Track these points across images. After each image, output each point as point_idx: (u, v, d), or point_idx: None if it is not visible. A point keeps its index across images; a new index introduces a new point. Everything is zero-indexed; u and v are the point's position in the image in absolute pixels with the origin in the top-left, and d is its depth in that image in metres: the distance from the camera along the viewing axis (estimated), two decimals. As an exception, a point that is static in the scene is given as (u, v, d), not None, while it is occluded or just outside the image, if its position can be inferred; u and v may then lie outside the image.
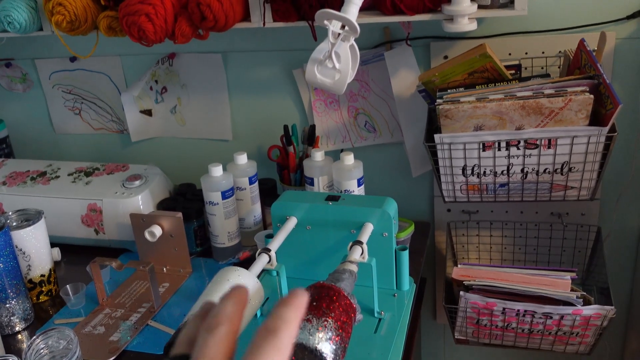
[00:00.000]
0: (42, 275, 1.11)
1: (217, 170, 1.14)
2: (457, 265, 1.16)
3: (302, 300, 0.38)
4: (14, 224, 1.09)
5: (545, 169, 1.03)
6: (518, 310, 1.08)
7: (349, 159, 1.12)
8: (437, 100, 1.00)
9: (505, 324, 1.12)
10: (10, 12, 1.16)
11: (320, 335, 0.71)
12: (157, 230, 1.12)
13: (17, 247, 1.06)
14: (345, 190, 1.13)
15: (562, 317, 1.06)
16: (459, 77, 1.05)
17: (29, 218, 1.10)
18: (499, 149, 1.02)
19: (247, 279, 0.82)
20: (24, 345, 1.02)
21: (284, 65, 1.32)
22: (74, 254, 1.27)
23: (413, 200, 1.37)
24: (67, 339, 0.92)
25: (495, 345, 1.20)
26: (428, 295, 1.46)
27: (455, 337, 1.22)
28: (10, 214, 1.10)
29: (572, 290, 1.06)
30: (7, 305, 1.02)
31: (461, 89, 1.03)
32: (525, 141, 1.00)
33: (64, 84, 1.51)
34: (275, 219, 1.03)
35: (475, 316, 1.13)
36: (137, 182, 1.24)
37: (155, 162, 1.40)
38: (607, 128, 0.95)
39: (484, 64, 1.02)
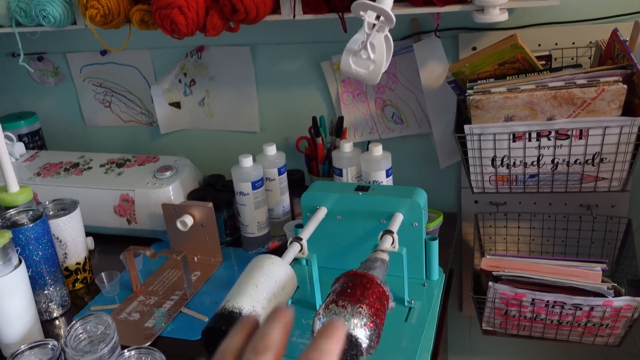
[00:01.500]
0: (78, 263, 1.14)
1: (247, 161, 1.16)
2: (484, 257, 1.16)
3: (341, 332, 0.38)
4: (51, 213, 1.12)
5: (576, 160, 1.03)
6: (547, 301, 1.08)
7: (378, 150, 1.13)
8: (468, 91, 1.00)
9: (534, 315, 1.12)
10: (45, 6, 1.18)
11: (355, 321, 0.72)
12: (189, 220, 1.14)
13: (54, 235, 1.08)
14: (373, 181, 1.14)
15: (592, 308, 1.06)
16: (489, 67, 1.05)
17: (64, 207, 1.13)
18: (530, 140, 1.02)
19: (280, 266, 0.84)
20: (62, 331, 1.04)
21: (311, 57, 1.33)
22: (107, 244, 1.30)
23: (440, 191, 1.37)
24: (104, 324, 0.94)
25: (523, 337, 1.20)
26: (455, 287, 1.46)
27: (483, 328, 1.22)
28: (47, 203, 1.13)
29: (602, 281, 1.06)
30: (46, 292, 1.05)
31: (492, 80, 1.03)
32: (557, 132, 0.99)
33: (95, 77, 1.54)
34: (305, 209, 1.04)
35: (504, 307, 1.13)
36: (168, 173, 1.26)
37: (184, 154, 1.43)
38: (640, 118, 0.94)
39: (515, 55, 1.02)
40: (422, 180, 1.36)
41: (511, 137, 1.02)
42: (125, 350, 0.89)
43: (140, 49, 1.45)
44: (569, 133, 0.99)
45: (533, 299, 1.08)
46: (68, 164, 1.37)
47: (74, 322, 0.93)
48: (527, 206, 1.31)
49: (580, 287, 1.05)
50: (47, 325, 1.05)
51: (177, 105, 1.49)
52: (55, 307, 1.07)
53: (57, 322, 1.07)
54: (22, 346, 0.93)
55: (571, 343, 1.17)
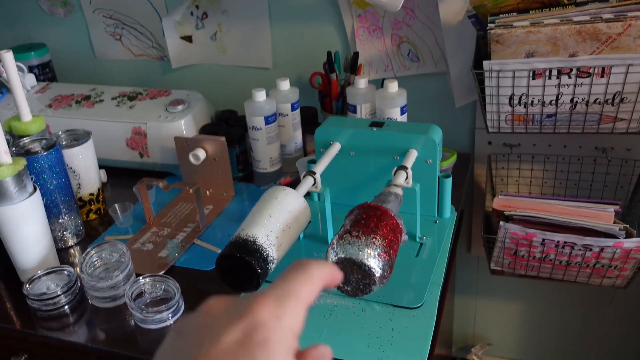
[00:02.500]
0: (91, 194, 1.15)
1: (260, 95, 1.14)
2: (496, 197, 1.16)
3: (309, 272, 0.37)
4: (64, 143, 1.12)
5: (596, 99, 1.01)
6: (557, 242, 1.08)
7: (393, 86, 1.11)
8: (489, 25, 0.97)
9: (544, 256, 1.13)
10: None
11: (369, 251, 0.72)
12: (201, 154, 1.14)
13: (67, 165, 1.09)
14: (388, 118, 1.12)
15: (602, 249, 1.06)
16: (512, 1, 1.01)
17: (77, 138, 1.13)
18: (550, 78, 0.99)
19: (294, 198, 0.84)
20: (77, 259, 1.06)
21: (327, -10, 1.30)
22: (120, 177, 1.30)
23: (454, 132, 1.35)
24: (119, 252, 0.96)
25: (531, 277, 1.21)
26: (464, 228, 1.47)
27: (491, 267, 1.23)
28: (60, 133, 1.13)
29: (614, 223, 1.05)
30: (60, 221, 1.06)
31: (514, 14, 1.00)
32: (578, 69, 0.97)
33: (105, 8, 1.50)
34: (318, 144, 1.04)
35: (514, 247, 1.14)
36: (180, 107, 1.25)
37: (196, 89, 1.41)
38: (666, 56, 0.91)
39: (540, -12, 0.98)
40: (437, 120, 1.34)
41: (531, 74, 0.99)
42: (140, 277, 0.91)
43: (151, -21, 1.42)
44: (591, 71, 0.96)
45: (543, 239, 1.08)
46: (79, 96, 1.36)
47: (89, 249, 0.95)
48: (541, 148, 1.29)
49: (592, 227, 1.05)
50: (62, 254, 1.07)
51: (188, 39, 1.46)
52: (70, 235, 1.08)
53: (72, 250, 1.09)
54: (39, 271, 0.95)
55: (577, 285, 1.19)
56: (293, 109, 1.20)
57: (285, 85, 1.19)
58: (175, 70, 1.52)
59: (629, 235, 1.04)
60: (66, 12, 1.55)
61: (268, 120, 1.16)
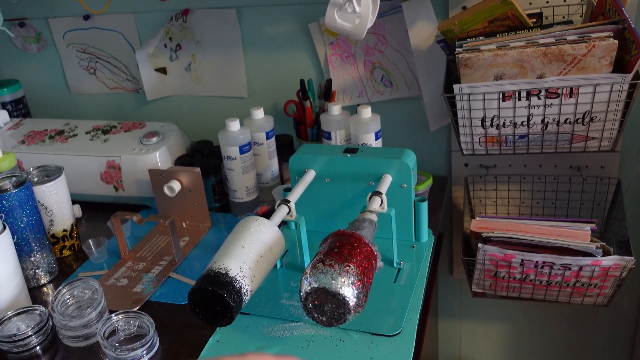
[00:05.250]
0: (65, 230, 1.13)
1: (234, 125, 1.14)
2: (474, 219, 1.16)
3: None
4: (35, 179, 1.10)
5: (566, 119, 1.02)
6: (537, 262, 1.08)
7: (367, 112, 1.12)
8: (457, 49, 0.99)
9: (524, 276, 1.12)
10: (23, -33, 1.15)
11: (343, 280, 0.71)
12: (176, 185, 1.13)
13: (39, 202, 1.07)
14: (363, 144, 1.12)
15: (580, 268, 1.06)
16: (479, 25, 1.03)
17: (49, 174, 1.11)
18: (519, 99, 1.00)
19: (267, 228, 0.83)
20: (50, 298, 1.04)
21: (299, 19, 1.31)
22: (94, 211, 1.29)
23: (430, 154, 1.36)
24: (92, 289, 0.94)
25: (513, 298, 1.21)
26: (445, 251, 1.47)
27: (473, 290, 1.22)
28: (31, 169, 1.11)
29: (591, 241, 1.06)
30: (32, 259, 1.04)
31: (481, 38, 1.01)
32: (547, 90, 0.98)
33: (78, 43, 1.50)
34: (293, 172, 1.03)
35: (493, 268, 1.13)
36: (155, 139, 1.24)
37: (171, 121, 1.40)
38: (631, 75, 0.93)
39: (505, 11, 1.00)
40: (413, 144, 1.35)
41: (501, 96, 1.00)
42: (113, 315, 0.89)
43: (123, 12, 1.42)
44: (559, 91, 0.98)
45: (522, 260, 1.08)
46: (53, 132, 1.35)
47: (61, 287, 0.93)
48: (517, 168, 1.30)
49: (569, 247, 1.05)
50: (35, 292, 1.05)
51: (163, 70, 1.46)
52: (42, 274, 1.06)
53: (45, 289, 1.06)
54: (9, 312, 0.93)
55: (560, 304, 1.18)
56: (268, 137, 1.20)
57: (259, 114, 1.19)
58: (151, 102, 1.51)
59: (606, 253, 1.04)
60: (39, 47, 1.54)
61: (243, 150, 1.15)
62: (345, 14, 0.92)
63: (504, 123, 1.04)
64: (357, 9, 0.91)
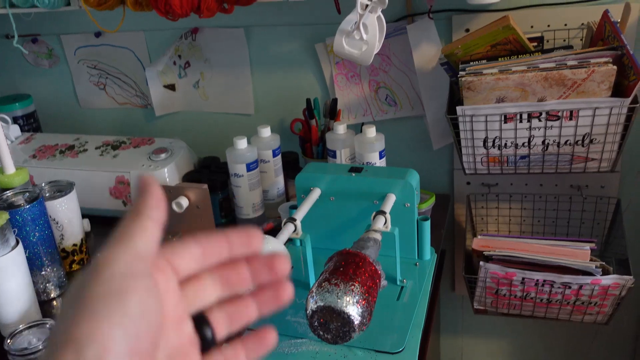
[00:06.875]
0: (75, 245, 1.15)
1: (242, 143, 1.17)
2: (476, 237, 1.18)
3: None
4: (47, 194, 1.13)
5: (567, 141, 1.04)
6: (537, 280, 1.10)
7: (371, 131, 1.14)
8: (460, 73, 1.01)
9: (524, 294, 1.14)
10: (38, -12, 1.18)
11: (348, 299, 0.73)
12: (184, 202, 1.16)
13: (50, 216, 1.09)
14: (367, 163, 1.15)
15: (580, 286, 1.08)
16: (481, 49, 1.06)
17: (61, 189, 1.14)
18: (521, 121, 1.03)
19: (273, 245, 0.85)
20: (59, 311, 1.06)
21: (305, 39, 1.34)
22: (103, 226, 1.31)
23: (433, 173, 1.38)
24: (102, 304, 0.95)
25: (514, 315, 1.23)
26: (447, 268, 1.48)
27: (474, 307, 1.24)
28: (43, 185, 1.14)
29: (591, 260, 1.08)
30: (43, 273, 1.06)
31: (484, 61, 1.04)
32: (547, 113, 1.01)
33: (89, 59, 1.53)
34: (299, 190, 1.06)
35: (495, 286, 1.15)
36: (163, 155, 1.27)
37: (179, 136, 1.43)
38: (629, 99, 0.95)
39: (507, 36, 1.02)
40: (416, 162, 1.37)
41: (502, 118, 1.03)
42: (123, 329, 0.91)
43: (134, 30, 1.45)
44: (560, 114, 1.00)
45: (523, 278, 1.10)
46: (63, 146, 1.37)
47: (71, 301, 0.95)
48: (518, 187, 1.32)
49: (569, 265, 1.07)
50: (45, 306, 1.07)
51: (171, 87, 1.49)
52: (52, 287, 1.08)
53: (54, 302, 1.08)
54: (20, 326, 0.95)
55: (560, 321, 1.20)
56: (274, 155, 1.22)
57: (266, 132, 1.22)
58: (159, 118, 1.54)
59: (605, 272, 1.06)
60: (51, 63, 1.58)
61: (250, 167, 1.18)
62: (353, 41, 0.95)
63: (505, 144, 1.07)
64: (365, 36, 0.93)
